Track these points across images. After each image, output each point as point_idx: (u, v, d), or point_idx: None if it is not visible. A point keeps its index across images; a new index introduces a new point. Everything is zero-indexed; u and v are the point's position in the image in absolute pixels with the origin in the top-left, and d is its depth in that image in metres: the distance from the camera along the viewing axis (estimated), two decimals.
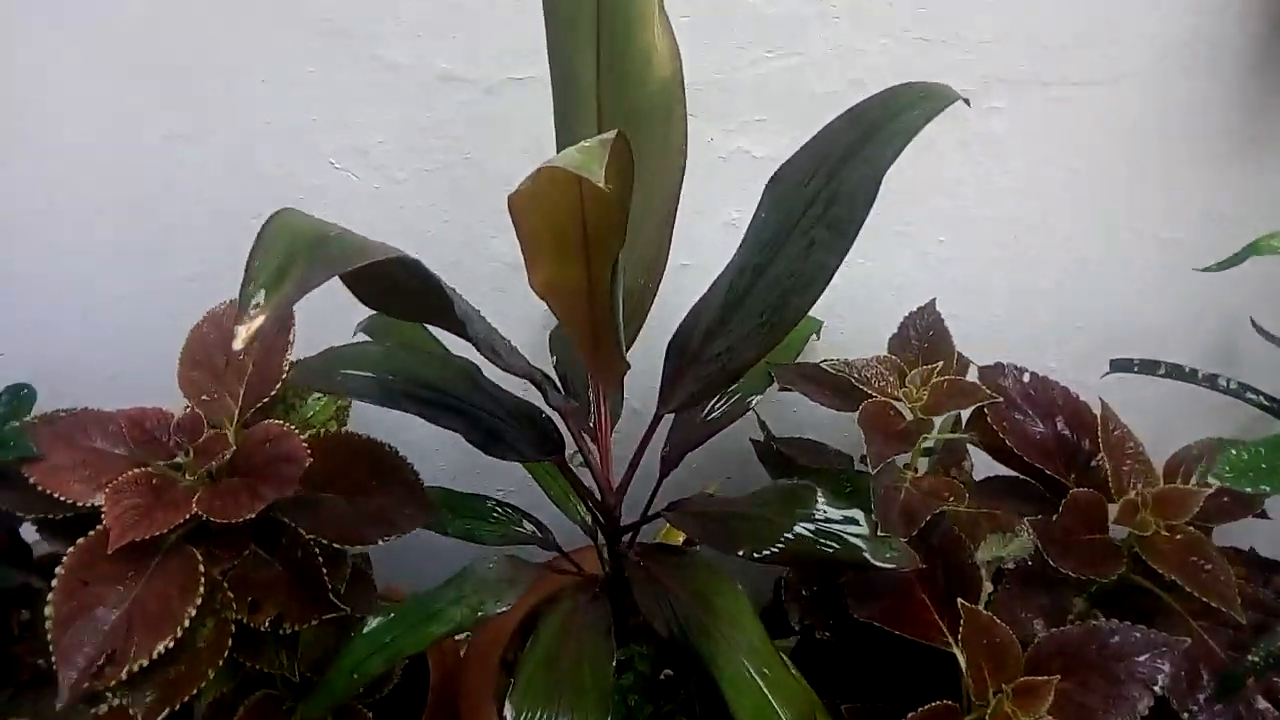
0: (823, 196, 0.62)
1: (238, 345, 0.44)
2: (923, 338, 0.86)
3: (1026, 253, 0.93)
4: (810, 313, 0.96)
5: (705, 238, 0.94)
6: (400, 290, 0.52)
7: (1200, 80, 0.82)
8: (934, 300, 0.88)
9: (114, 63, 0.85)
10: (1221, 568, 0.68)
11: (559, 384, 0.86)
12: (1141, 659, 0.65)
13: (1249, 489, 0.52)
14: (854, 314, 1.00)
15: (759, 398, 0.88)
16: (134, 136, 0.89)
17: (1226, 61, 0.80)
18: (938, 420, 0.80)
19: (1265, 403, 0.78)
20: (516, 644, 1.05)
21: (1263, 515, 0.80)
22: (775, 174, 0.66)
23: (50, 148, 0.89)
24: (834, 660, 0.82)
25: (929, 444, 0.85)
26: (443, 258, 0.96)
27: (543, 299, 0.63)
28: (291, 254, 0.46)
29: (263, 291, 0.45)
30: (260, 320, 0.44)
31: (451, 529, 0.86)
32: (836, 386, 0.84)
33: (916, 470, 0.82)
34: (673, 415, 0.86)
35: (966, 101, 0.58)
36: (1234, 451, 0.53)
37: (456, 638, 1.06)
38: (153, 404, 0.81)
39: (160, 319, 0.96)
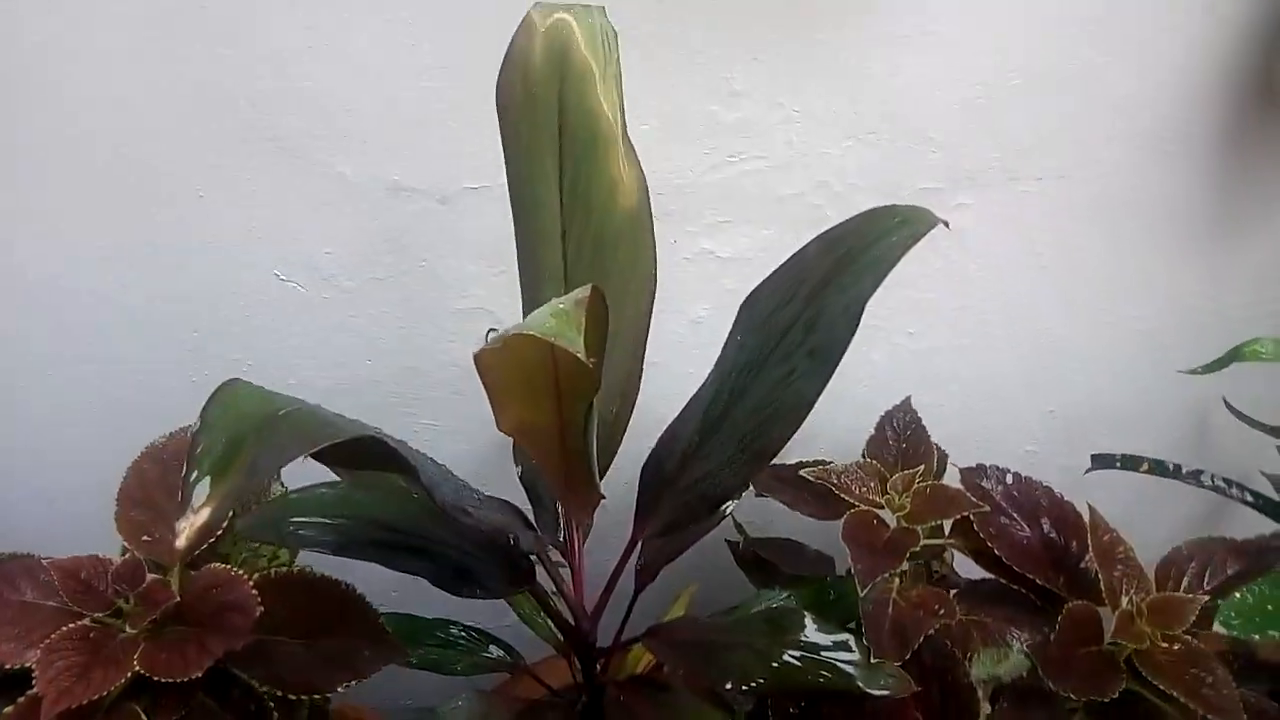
0: (802, 322, 0.60)
1: (181, 544, 0.40)
2: (900, 437, 0.83)
3: (996, 342, 0.92)
4: None
5: (672, 336, 0.91)
6: (362, 461, 0.48)
7: (1166, 171, 0.82)
8: (909, 398, 0.86)
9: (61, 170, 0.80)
10: (1224, 680, 0.66)
11: (527, 497, 0.82)
12: None
13: (1256, 636, 0.50)
14: (826, 406, 0.97)
15: (735, 503, 0.85)
16: (73, 250, 0.84)
17: (1194, 152, 0.81)
18: (921, 529, 0.77)
19: (1249, 499, 0.76)
20: None
21: None
22: (750, 296, 0.63)
23: None
24: None
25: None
26: (398, 364, 0.92)
27: (512, 437, 0.60)
28: (238, 438, 0.42)
29: (207, 479, 0.41)
30: (206, 514, 0.40)
31: (416, 660, 0.81)
32: (815, 493, 0.81)
33: (900, 580, 0.79)
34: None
35: (945, 224, 0.56)
36: (1238, 595, 0.51)
37: None
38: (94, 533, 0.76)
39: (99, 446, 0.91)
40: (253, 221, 0.84)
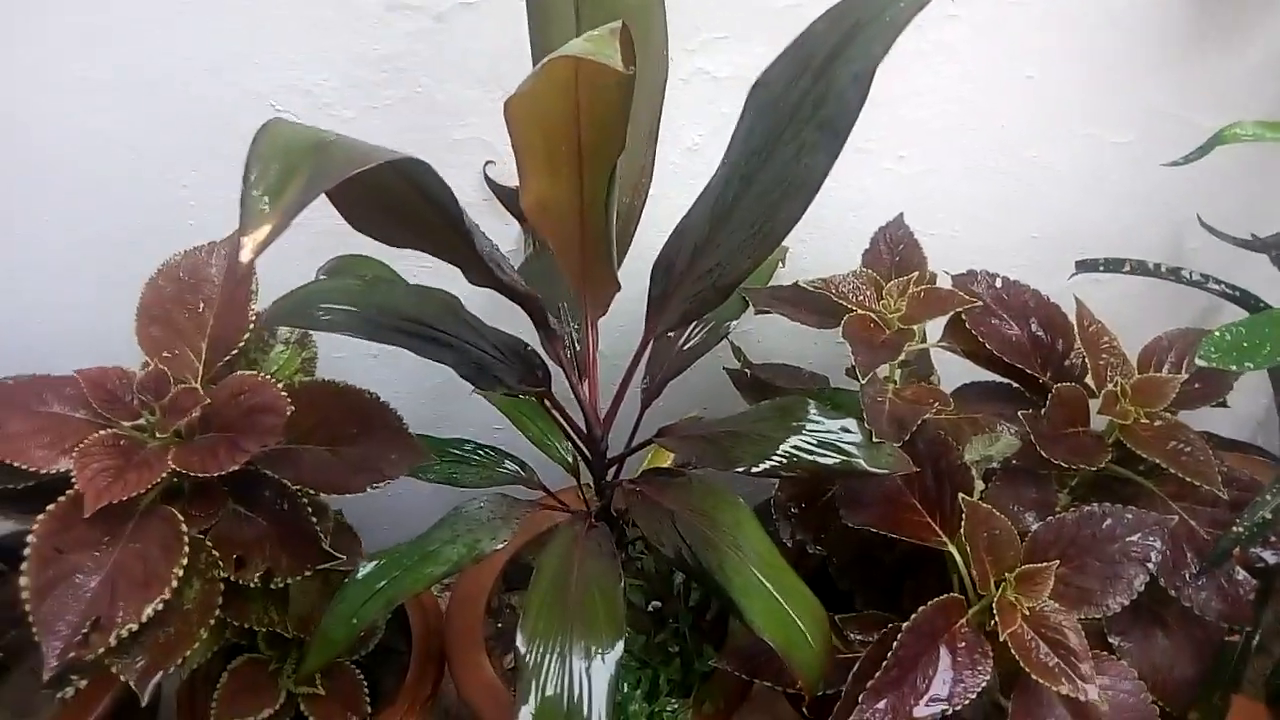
0: (811, 98, 0.61)
1: (245, 256, 0.42)
2: (894, 251, 0.86)
3: (983, 161, 0.95)
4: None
5: (667, 164, 0.93)
6: (399, 207, 0.50)
7: None
8: (902, 214, 0.88)
9: None
10: (1201, 449, 0.71)
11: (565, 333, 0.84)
12: (1134, 539, 0.67)
13: (1234, 367, 0.54)
14: (817, 237, 1.00)
15: (736, 323, 0.88)
16: (69, 84, 0.84)
17: None
18: (916, 330, 0.81)
19: (1228, 291, 0.80)
20: (500, 589, 1.04)
21: (1222, 404, 0.83)
22: (758, 80, 0.65)
23: None
24: (827, 574, 0.83)
25: (902, 357, 0.86)
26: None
27: (533, 222, 0.62)
28: (292, 160, 0.44)
29: (267, 199, 0.42)
30: (267, 228, 0.42)
31: (433, 474, 0.84)
32: (814, 305, 0.84)
33: (895, 383, 0.83)
34: (653, 348, 0.86)
35: None
36: (1217, 333, 0.55)
37: (434, 592, 1.05)
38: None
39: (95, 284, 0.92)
40: (252, 47, 0.84)
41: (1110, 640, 0.75)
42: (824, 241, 1.00)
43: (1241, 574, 0.71)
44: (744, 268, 0.67)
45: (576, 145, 0.55)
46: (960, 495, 0.67)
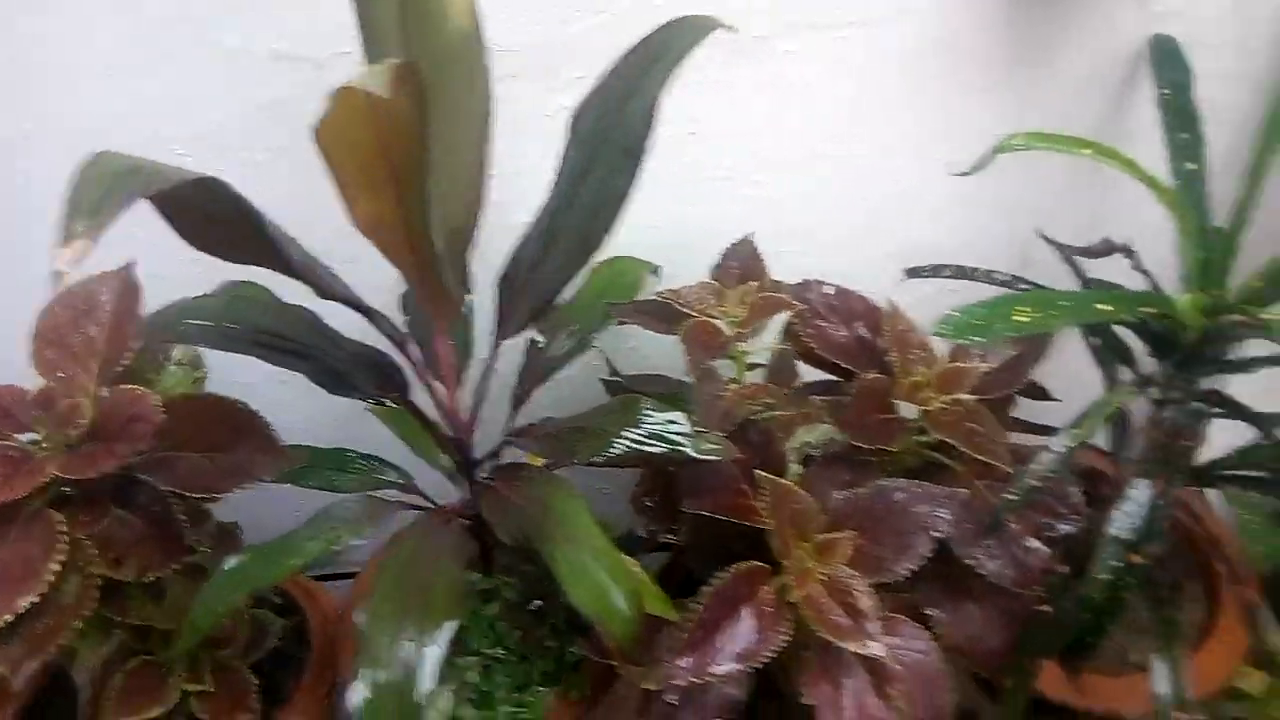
0: (614, 127, 0.70)
1: (61, 266, 0.49)
2: (741, 265, 0.94)
3: (835, 186, 1.03)
4: (647, 257, 1.05)
5: (537, 195, 1.00)
6: (217, 220, 0.58)
7: (970, 13, 0.92)
8: (752, 234, 0.97)
9: None
10: (994, 430, 0.78)
11: (412, 340, 0.92)
12: (923, 510, 0.74)
13: (962, 341, 0.62)
14: (686, 258, 1.07)
15: (599, 335, 0.95)
16: None
17: None
18: (762, 336, 0.88)
19: (1028, 288, 0.88)
20: None
21: (1045, 397, 0.91)
22: (574, 113, 0.73)
23: None
24: (680, 561, 0.90)
25: (753, 359, 0.93)
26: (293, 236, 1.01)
27: (370, 239, 0.69)
28: (108, 184, 0.51)
29: (82, 217, 0.50)
30: (82, 243, 0.49)
31: (312, 480, 0.91)
32: (665, 314, 0.91)
33: (740, 382, 0.91)
34: (524, 358, 0.94)
35: (730, 29, 0.67)
36: (954, 313, 0.63)
37: (337, 603, 1.10)
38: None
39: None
40: (151, 97, 0.91)
41: (926, 613, 0.82)
42: (692, 261, 1.07)
43: (1033, 543, 0.78)
44: (570, 276, 0.75)
45: (391, 168, 0.63)
46: (758, 474, 0.74)
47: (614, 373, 1.01)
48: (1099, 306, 0.67)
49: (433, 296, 0.74)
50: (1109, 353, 0.85)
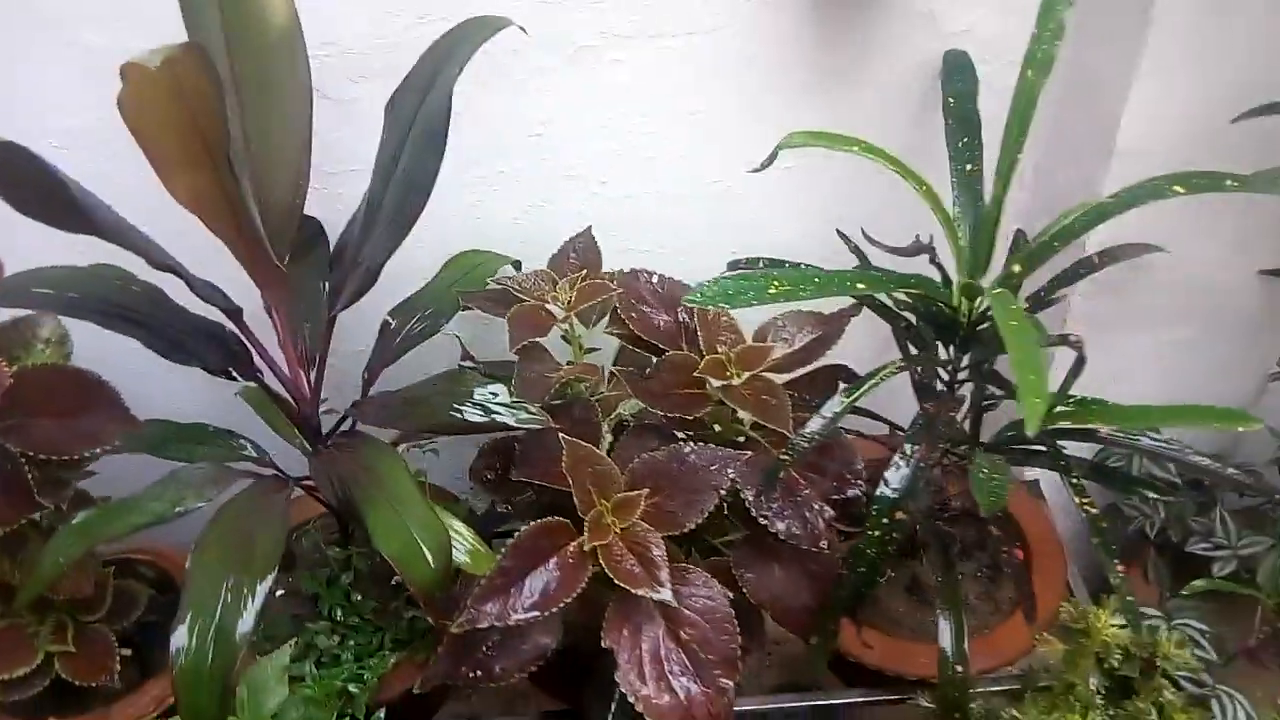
0: (420, 115, 0.77)
1: None
2: (579, 255, 1.01)
3: (672, 186, 1.11)
4: (507, 251, 1.11)
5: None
6: (32, 186, 0.64)
7: (782, 25, 1.00)
8: (590, 226, 1.04)
9: None
10: (783, 402, 0.85)
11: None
12: (712, 469, 0.81)
13: (711, 306, 0.69)
14: (543, 251, 1.15)
15: (448, 320, 1.01)
16: None
17: (799, 8, 0.99)
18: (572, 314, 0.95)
19: None
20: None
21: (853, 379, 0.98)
22: (390, 100, 0.80)
23: None
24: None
25: (590, 344, 1.00)
26: (169, 228, 1.06)
27: (195, 214, 0.75)
28: None
29: None
30: None
31: (172, 451, 0.96)
32: (506, 300, 0.98)
33: (573, 361, 0.97)
34: (376, 339, 0.99)
35: (522, 29, 0.74)
36: (707, 283, 0.70)
37: None
38: None
39: None
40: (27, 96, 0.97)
41: (735, 573, 0.89)
42: (540, 254, 1.14)
43: (820, 505, 0.85)
44: (389, 251, 0.82)
45: (203, 143, 0.69)
46: (562, 436, 0.81)
47: (466, 356, 1.07)
48: (855, 285, 0.75)
49: (258, 267, 0.80)
50: (907, 339, 0.92)
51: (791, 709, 1.06)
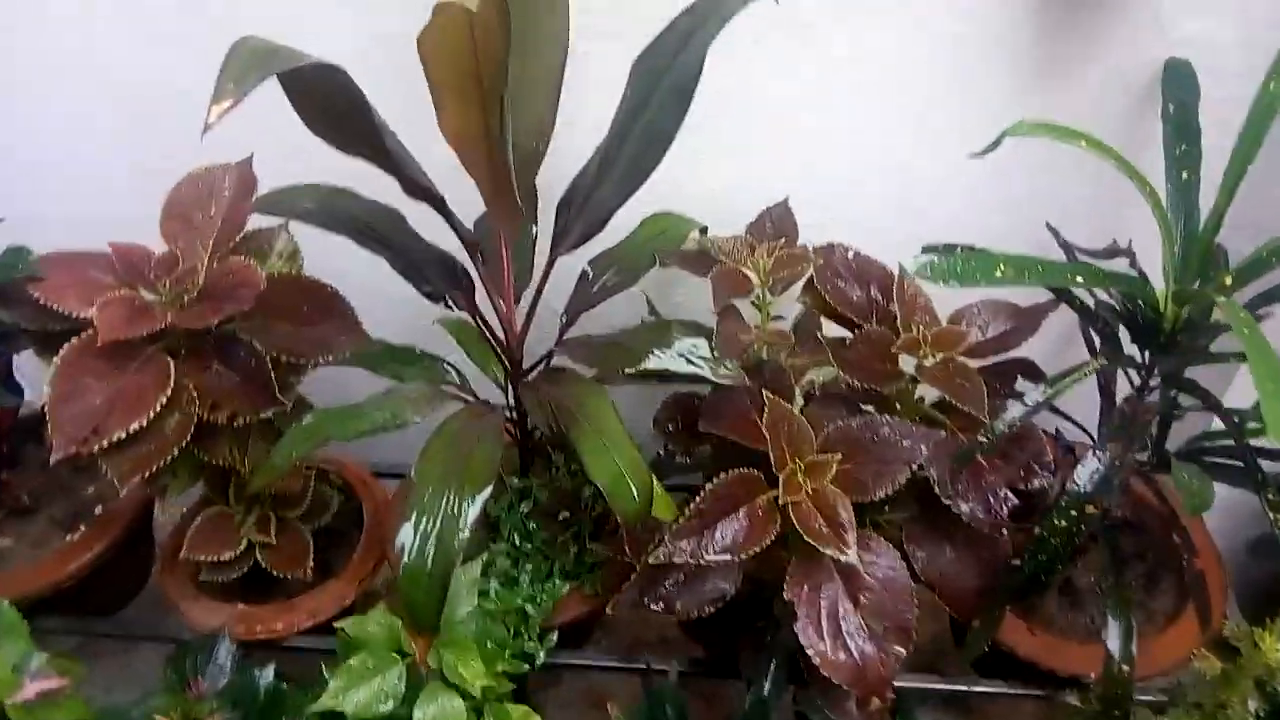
0: (670, 69, 0.82)
1: (211, 118, 0.62)
2: (775, 224, 1.05)
3: (871, 166, 1.12)
4: (696, 215, 1.16)
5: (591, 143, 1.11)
6: (332, 104, 0.70)
7: (1007, 15, 1.01)
8: (787, 197, 1.07)
9: None
10: (977, 385, 0.87)
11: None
12: (905, 444, 0.83)
13: (941, 283, 0.71)
14: (730, 218, 1.18)
15: (641, 275, 1.06)
16: (131, 35, 1.07)
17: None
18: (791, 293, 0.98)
19: None
20: None
21: (1040, 377, 0.99)
22: (636, 59, 0.85)
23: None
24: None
25: (777, 311, 1.03)
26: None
27: (454, 149, 0.81)
28: (251, 60, 0.64)
29: (232, 83, 0.63)
30: (229, 101, 0.62)
31: (382, 370, 1.04)
32: (703, 261, 1.02)
33: (761, 327, 1.01)
34: (574, 286, 1.05)
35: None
36: (935, 259, 0.72)
37: (387, 490, 1.23)
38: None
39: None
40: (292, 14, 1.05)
41: (907, 549, 0.91)
42: (737, 224, 1.18)
43: (1004, 491, 0.87)
44: (621, 201, 0.87)
45: (478, 81, 0.75)
46: (765, 393, 0.85)
47: (653, 312, 1.12)
48: (1074, 277, 0.76)
49: (504, 209, 0.85)
50: (1100, 339, 0.93)
51: (925, 690, 1.08)
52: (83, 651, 1.23)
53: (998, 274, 0.72)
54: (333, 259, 1.00)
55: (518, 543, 1.07)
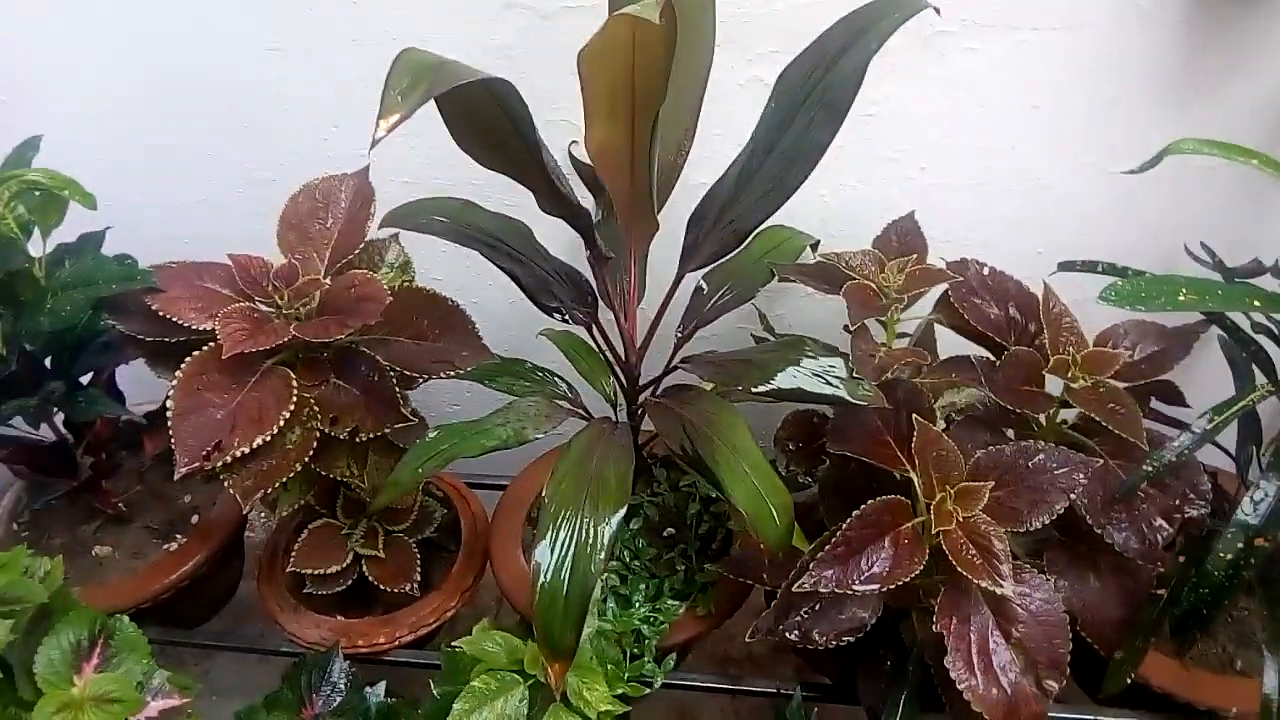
0: (820, 85, 0.78)
1: (380, 133, 0.60)
2: (901, 239, 1.01)
3: (995, 180, 1.09)
4: (808, 226, 1.13)
5: (723, 157, 1.09)
6: (487, 124, 0.68)
7: (1146, 31, 0.97)
8: (913, 211, 1.03)
9: None
10: (1132, 410, 0.84)
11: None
12: (1060, 472, 0.80)
13: (1127, 308, 0.68)
14: (847, 231, 1.15)
15: (779, 311, 1.03)
16: (236, 53, 1.05)
17: (1167, 15, 0.96)
18: (904, 298, 0.95)
19: None
20: (538, 503, 1.20)
21: (1179, 400, 0.95)
22: (782, 73, 0.82)
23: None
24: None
25: (902, 328, 1.00)
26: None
27: (594, 162, 0.79)
28: (419, 74, 0.62)
29: (399, 96, 0.60)
30: (397, 115, 0.60)
31: (496, 384, 1.01)
32: (827, 276, 0.98)
33: (889, 346, 0.98)
34: (690, 301, 1.02)
35: (937, 10, 0.74)
36: (1120, 282, 0.69)
37: (485, 507, 1.21)
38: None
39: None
40: (392, 30, 1.04)
41: (1048, 578, 0.87)
42: (851, 237, 1.15)
43: (1159, 520, 0.83)
44: (759, 218, 0.84)
45: (631, 95, 0.72)
46: (914, 416, 0.81)
47: (765, 326, 1.09)
48: (1252, 301, 0.72)
49: (640, 223, 0.83)
50: (1249, 360, 0.89)
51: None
52: (162, 660, 1.22)
53: (1180, 298, 0.68)
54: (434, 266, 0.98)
55: (627, 561, 1.05)
